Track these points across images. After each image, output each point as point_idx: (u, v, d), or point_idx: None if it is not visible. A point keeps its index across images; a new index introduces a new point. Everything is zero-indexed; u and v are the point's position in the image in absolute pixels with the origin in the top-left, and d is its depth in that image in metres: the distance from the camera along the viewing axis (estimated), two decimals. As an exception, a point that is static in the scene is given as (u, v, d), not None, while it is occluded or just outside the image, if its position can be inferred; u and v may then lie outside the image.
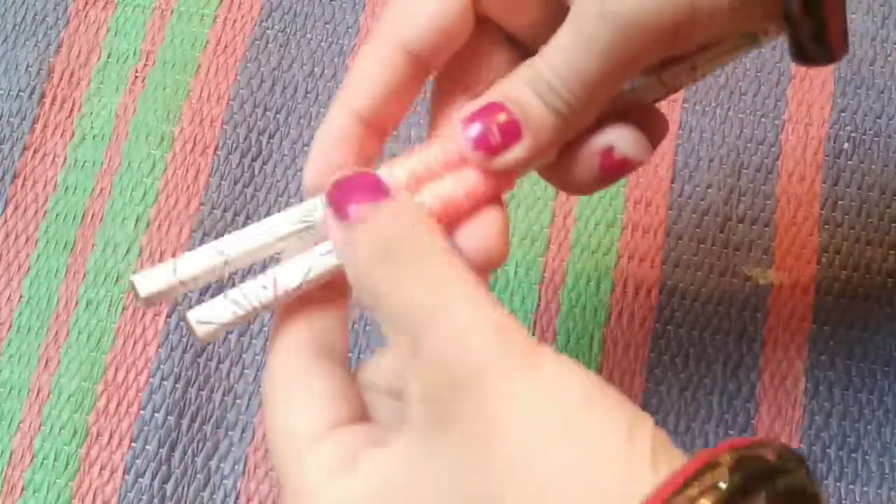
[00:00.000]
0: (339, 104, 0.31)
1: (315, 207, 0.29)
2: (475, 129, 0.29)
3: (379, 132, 0.31)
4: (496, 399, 0.24)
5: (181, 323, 0.44)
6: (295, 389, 0.28)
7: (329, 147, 0.31)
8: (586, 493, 0.23)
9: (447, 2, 0.30)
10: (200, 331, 0.28)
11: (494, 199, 0.30)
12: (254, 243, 0.29)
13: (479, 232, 0.30)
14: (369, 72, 0.31)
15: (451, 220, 0.30)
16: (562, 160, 0.31)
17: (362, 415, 0.28)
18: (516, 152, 0.29)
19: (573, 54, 0.29)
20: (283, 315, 0.29)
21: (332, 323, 0.29)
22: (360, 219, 0.27)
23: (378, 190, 0.27)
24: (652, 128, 0.33)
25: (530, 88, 0.29)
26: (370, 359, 0.29)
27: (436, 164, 0.30)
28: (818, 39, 0.30)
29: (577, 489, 0.23)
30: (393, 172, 0.30)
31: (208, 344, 0.44)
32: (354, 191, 0.27)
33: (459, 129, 0.30)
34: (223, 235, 0.42)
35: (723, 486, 0.22)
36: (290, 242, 0.29)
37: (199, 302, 0.29)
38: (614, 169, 0.31)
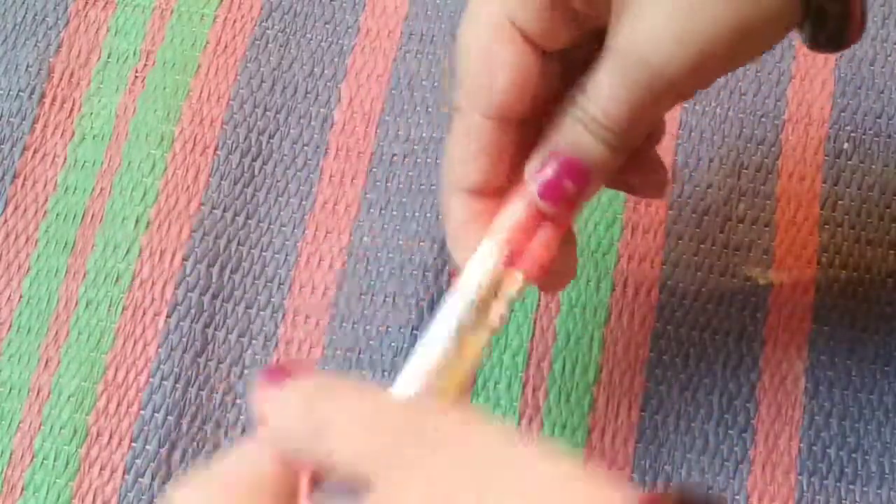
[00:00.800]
0: (451, 188, 0.33)
1: (476, 286, 0.32)
2: (549, 187, 0.32)
3: (496, 193, 0.33)
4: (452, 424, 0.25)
5: (181, 323, 0.44)
6: None
7: (463, 228, 0.33)
8: None
9: (515, 60, 0.31)
10: None
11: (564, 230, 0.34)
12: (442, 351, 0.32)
13: (563, 271, 0.34)
14: (467, 151, 0.32)
15: (547, 272, 0.33)
16: None
17: None
18: (589, 194, 0.32)
19: (617, 97, 0.30)
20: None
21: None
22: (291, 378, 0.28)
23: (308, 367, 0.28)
24: (653, 174, 0.36)
25: (587, 131, 0.31)
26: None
27: (524, 220, 0.33)
28: (841, 23, 0.30)
29: None
30: (498, 242, 0.32)
31: (208, 344, 0.44)
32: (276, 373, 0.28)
33: (535, 190, 0.32)
34: (223, 235, 0.43)
35: None
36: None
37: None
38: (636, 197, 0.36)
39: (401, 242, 0.46)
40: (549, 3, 0.31)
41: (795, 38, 0.43)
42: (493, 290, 0.32)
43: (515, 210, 0.33)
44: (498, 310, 0.32)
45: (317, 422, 0.26)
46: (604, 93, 0.30)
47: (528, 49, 0.31)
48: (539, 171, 0.32)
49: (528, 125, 0.33)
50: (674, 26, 0.29)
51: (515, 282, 0.32)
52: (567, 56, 0.33)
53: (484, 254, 0.32)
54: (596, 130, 0.31)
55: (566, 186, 0.31)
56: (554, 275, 0.34)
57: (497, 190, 0.33)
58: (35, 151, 0.48)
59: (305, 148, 0.47)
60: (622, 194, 0.46)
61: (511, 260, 0.32)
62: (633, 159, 0.33)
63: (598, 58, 0.31)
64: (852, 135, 0.47)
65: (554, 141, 0.32)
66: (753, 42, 0.30)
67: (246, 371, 0.44)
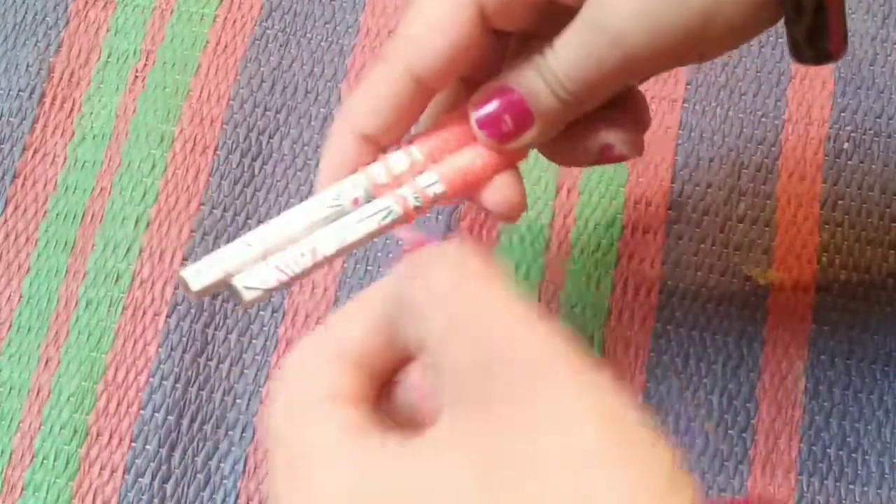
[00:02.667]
0: (344, 124, 0.32)
1: (343, 191, 0.31)
2: (489, 116, 0.31)
3: (382, 148, 0.32)
4: (548, 386, 0.23)
5: (181, 323, 0.44)
6: (319, 371, 0.27)
7: (337, 166, 0.32)
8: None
9: (458, 33, 0.31)
10: (248, 296, 0.30)
11: (508, 166, 0.33)
12: (289, 233, 0.31)
13: (498, 189, 0.32)
14: (376, 96, 0.32)
15: (469, 188, 0.32)
16: (562, 141, 0.33)
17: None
18: (527, 138, 0.31)
19: (580, 63, 0.30)
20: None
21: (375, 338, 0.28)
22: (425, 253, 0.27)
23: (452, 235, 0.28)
24: (637, 115, 0.34)
25: (542, 79, 0.31)
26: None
27: (453, 142, 0.32)
28: (816, 37, 0.30)
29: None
30: (410, 152, 0.32)
31: (208, 344, 0.44)
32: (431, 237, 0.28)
33: (473, 116, 0.31)
34: (223, 235, 0.43)
35: None
36: (322, 226, 0.31)
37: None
38: (612, 160, 0.34)
39: (401, 242, 0.46)
40: None
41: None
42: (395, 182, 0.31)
43: (445, 132, 0.32)
44: (401, 192, 0.31)
45: (449, 311, 0.25)
46: (567, 52, 0.30)
47: (478, 25, 0.31)
48: (484, 101, 0.31)
49: (463, 92, 0.33)
50: (644, 4, 0.29)
51: (428, 178, 0.31)
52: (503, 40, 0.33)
53: (389, 157, 0.32)
54: (552, 82, 0.31)
55: (506, 122, 0.31)
56: (490, 197, 0.32)
57: (381, 146, 0.32)
58: (35, 151, 0.48)
59: (305, 148, 0.47)
60: (622, 194, 0.46)
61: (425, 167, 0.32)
62: (606, 114, 0.32)
63: (566, 29, 0.31)
64: (852, 135, 0.47)
65: (506, 78, 0.31)
66: (721, 30, 0.30)
67: (246, 371, 0.44)
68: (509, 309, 0.25)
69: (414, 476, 0.23)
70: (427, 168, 0.32)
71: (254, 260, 0.30)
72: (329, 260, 0.31)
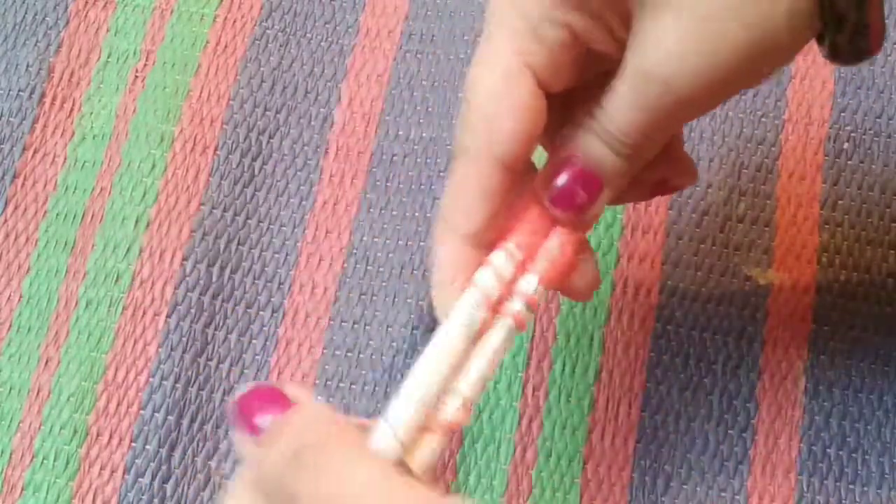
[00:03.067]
0: (445, 230, 0.32)
1: (472, 318, 0.32)
2: (561, 192, 0.32)
3: (489, 245, 0.33)
4: None
5: (181, 323, 0.44)
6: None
7: (450, 278, 0.32)
8: None
9: (524, 109, 0.31)
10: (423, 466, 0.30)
11: (584, 239, 0.33)
12: (437, 376, 0.31)
13: (584, 277, 0.33)
14: (466, 192, 0.32)
15: (562, 277, 0.33)
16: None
17: None
18: (601, 202, 0.32)
19: (634, 114, 0.30)
20: None
21: None
22: (268, 432, 0.28)
23: (281, 401, 0.28)
24: (683, 173, 0.36)
25: (601, 142, 0.31)
26: None
27: (536, 226, 0.32)
28: (860, 35, 0.30)
29: None
30: (510, 250, 0.32)
31: (208, 344, 0.44)
32: (259, 404, 0.28)
33: (545, 195, 0.32)
34: (223, 235, 0.43)
35: None
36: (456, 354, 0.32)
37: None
38: (664, 193, 0.35)
39: (401, 242, 0.46)
40: (565, 44, 0.30)
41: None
42: (503, 298, 0.32)
43: (525, 222, 0.33)
44: (512, 308, 0.32)
45: (290, 496, 0.27)
46: (618, 108, 0.30)
47: (538, 93, 0.31)
48: (553, 178, 0.32)
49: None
50: (684, 45, 0.29)
51: (530, 283, 0.32)
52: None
53: (494, 262, 0.32)
54: (611, 142, 0.31)
55: (579, 194, 0.31)
56: (576, 284, 0.33)
57: (489, 242, 0.32)
58: (35, 151, 0.48)
59: (305, 148, 0.47)
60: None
61: (524, 265, 0.32)
62: (663, 154, 0.33)
63: (613, 81, 0.30)
64: (852, 135, 0.47)
65: (569, 149, 0.32)
66: (767, 58, 0.29)
67: (246, 371, 0.44)
68: (370, 470, 0.27)
69: None
70: (525, 266, 0.32)
71: (418, 414, 0.30)
72: (478, 396, 0.31)
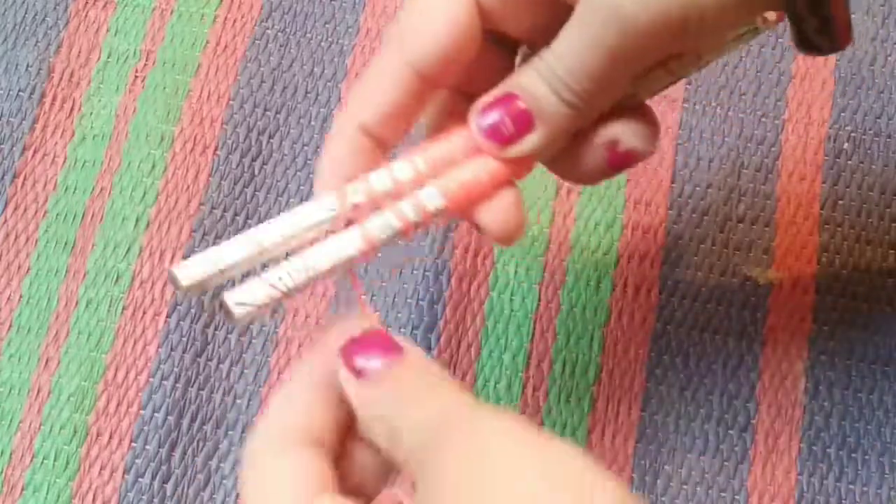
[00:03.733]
0: (347, 117, 0.32)
1: (343, 197, 0.30)
2: (489, 119, 0.30)
3: (385, 144, 0.32)
4: (482, 433, 0.26)
5: (181, 323, 0.44)
6: (281, 464, 0.28)
7: (338, 160, 0.31)
8: None
9: (455, 23, 0.30)
10: (238, 312, 0.29)
11: (510, 182, 0.32)
12: (287, 232, 0.30)
13: (497, 209, 0.31)
14: (378, 87, 0.31)
15: (472, 204, 0.31)
16: (568, 152, 0.32)
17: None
18: (529, 142, 0.31)
19: (582, 53, 0.29)
20: (273, 401, 0.30)
21: (318, 409, 0.30)
22: (376, 377, 0.28)
23: (391, 348, 0.29)
24: (646, 117, 0.33)
25: (543, 80, 0.30)
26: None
27: (456, 153, 0.31)
28: (824, 32, 0.30)
29: None
30: (414, 161, 0.31)
31: (208, 344, 0.44)
32: (369, 349, 0.29)
33: (473, 120, 0.31)
34: (224, 235, 0.43)
35: None
36: (320, 231, 0.30)
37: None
38: (620, 161, 0.32)
39: (401, 242, 0.46)
40: None
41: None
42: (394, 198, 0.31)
43: (448, 142, 0.31)
44: (400, 208, 0.30)
45: (392, 429, 0.27)
46: (567, 45, 0.29)
47: (475, 18, 0.30)
48: (484, 107, 0.31)
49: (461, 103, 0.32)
50: None
51: (430, 194, 0.31)
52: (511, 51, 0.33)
53: (393, 166, 0.31)
54: (555, 85, 0.30)
55: (505, 125, 0.30)
56: (485, 218, 0.31)
57: (385, 143, 0.32)
58: (35, 151, 0.48)
59: (305, 148, 0.47)
60: (622, 194, 0.46)
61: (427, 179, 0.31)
62: (617, 107, 0.31)
63: (566, 25, 0.30)
64: (852, 135, 0.47)
65: (507, 82, 0.31)
66: (726, 6, 0.29)
67: (246, 371, 0.44)
68: (468, 407, 0.27)
69: None
70: (430, 180, 0.31)
71: (250, 259, 0.30)
72: (324, 276, 0.30)
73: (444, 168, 0.31)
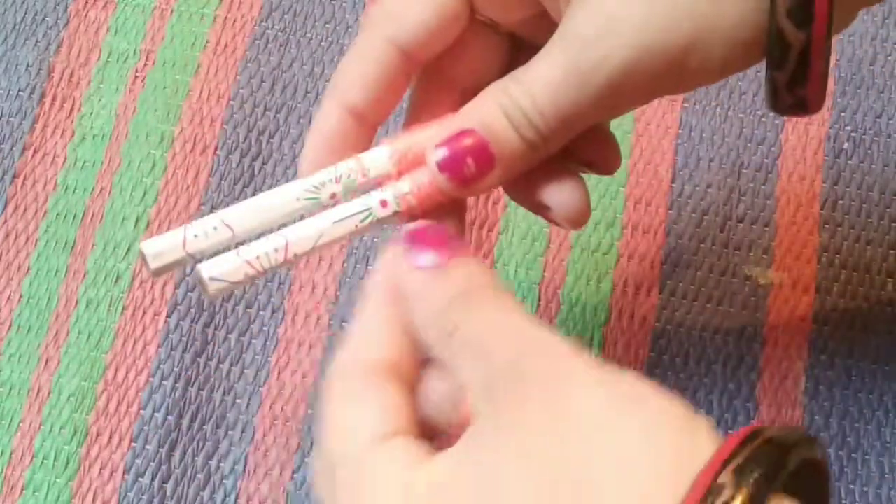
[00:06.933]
0: (331, 98, 0.31)
1: (323, 184, 0.30)
2: (448, 157, 0.29)
3: (370, 124, 0.32)
4: (560, 375, 0.25)
5: (181, 323, 0.44)
6: (359, 398, 0.28)
7: (323, 140, 0.31)
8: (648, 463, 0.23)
9: (442, 4, 0.30)
10: (212, 287, 0.29)
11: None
12: (261, 217, 0.30)
13: (565, 191, 0.31)
14: (360, 67, 0.31)
15: (437, 209, 0.31)
16: (518, 181, 0.31)
17: (421, 434, 0.28)
18: (488, 181, 0.30)
19: (555, 93, 0.28)
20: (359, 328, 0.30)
21: (393, 339, 0.29)
22: (441, 265, 0.28)
23: (456, 245, 0.28)
24: (607, 156, 0.33)
25: (506, 117, 0.29)
26: (427, 383, 0.29)
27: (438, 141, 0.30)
28: (797, 106, 0.29)
29: (639, 458, 0.23)
30: (397, 147, 0.31)
31: (208, 344, 0.44)
32: (434, 240, 0.28)
33: (431, 155, 0.30)
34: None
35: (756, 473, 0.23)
36: (296, 216, 0.30)
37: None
38: (550, 221, 0.32)
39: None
40: None
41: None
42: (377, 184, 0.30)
43: (430, 134, 0.31)
44: (384, 197, 0.30)
45: (449, 328, 0.27)
46: (538, 78, 0.28)
47: (459, 3, 0.30)
48: (443, 143, 0.29)
49: (456, 93, 0.32)
50: (641, 15, 0.27)
51: (405, 187, 0.30)
52: (510, 47, 0.32)
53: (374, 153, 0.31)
54: (519, 121, 0.29)
55: (467, 166, 0.29)
56: (563, 203, 0.31)
57: (370, 123, 0.31)
58: (35, 151, 0.48)
59: (305, 148, 0.47)
60: (622, 194, 0.46)
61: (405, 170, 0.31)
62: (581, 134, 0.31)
63: (543, 49, 0.29)
64: (852, 135, 0.47)
65: (471, 118, 0.30)
66: (706, 56, 0.28)
67: (246, 371, 0.44)
68: (523, 317, 0.27)
69: (483, 480, 0.25)
70: (413, 168, 0.30)
71: (222, 243, 0.29)
72: (301, 257, 0.30)
73: (415, 164, 0.30)
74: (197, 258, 0.29)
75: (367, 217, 0.30)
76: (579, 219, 0.31)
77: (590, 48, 0.28)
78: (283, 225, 0.30)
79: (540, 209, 0.32)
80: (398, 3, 0.31)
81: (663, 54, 0.28)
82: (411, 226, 0.29)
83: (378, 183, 0.31)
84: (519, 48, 0.33)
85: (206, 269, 0.29)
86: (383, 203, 0.30)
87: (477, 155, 0.29)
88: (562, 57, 0.28)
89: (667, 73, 0.28)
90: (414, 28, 0.30)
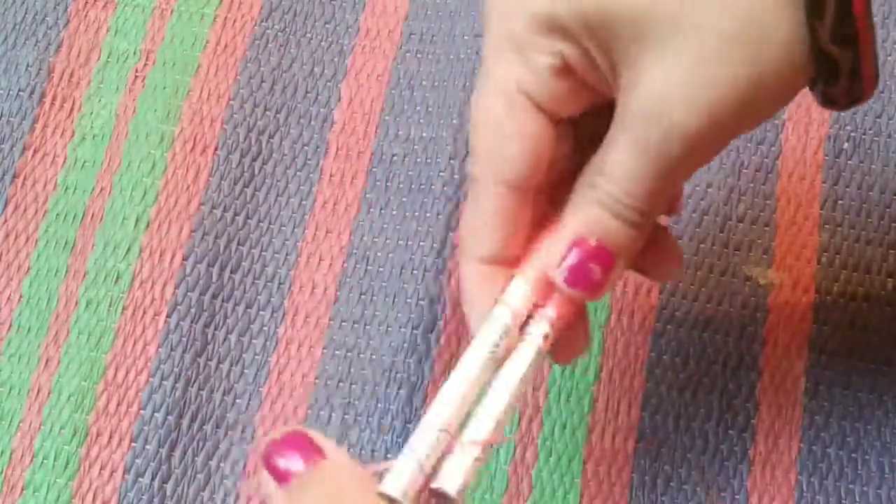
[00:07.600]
0: (467, 258, 0.33)
1: (497, 344, 0.31)
2: (573, 272, 0.31)
3: (509, 263, 0.32)
4: None
5: (181, 323, 0.44)
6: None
7: (480, 306, 0.32)
8: None
9: (529, 132, 0.31)
10: (458, 490, 0.29)
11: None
12: (463, 400, 0.31)
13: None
14: (482, 216, 0.32)
15: (568, 325, 0.32)
16: None
17: None
18: (614, 278, 0.31)
19: (638, 171, 0.29)
20: None
21: None
22: (298, 482, 0.28)
23: (312, 450, 0.28)
24: (668, 262, 0.35)
25: (608, 211, 0.30)
26: None
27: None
28: (853, 93, 0.30)
29: None
30: (527, 276, 0.32)
31: (208, 344, 0.44)
32: (290, 451, 0.28)
33: (556, 273, 0.31)
34: (223, 235, 0.42)
35: None
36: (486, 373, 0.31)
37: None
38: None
39: (401, 242, 0.46)
40: (557, 72, 0.30)
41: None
42: (530, 316, 0.32)
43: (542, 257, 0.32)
44: (538, 329, 0.32)
45: None
46: (619, 162, 0.30)
47: (539, 117, 0.31)
48: (564, 259, 0.31)
49: (542, 193, 0.33)
50: (688, 80, 0.28)
51: (541, 323, 0.32)
52: (581, 123, 0.33)
53: (514, 291, 0.32)
54: (619, 212, 0.30)
55: (593, 272, 0.31)
56: (570, 342, 0.33)
57: (512, 260, 0.32)
58: (35, 151, 0.48)
59: (305, 148, 0.47)
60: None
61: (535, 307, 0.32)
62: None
63: (610, 134, 0.30)
64: (852, 135, 0.47)
65: (576, 226, 0.31)
66: (767, 94, 0.29)
67: (246, 371, 0.44)
68: None
69: None
70: (540, 285, 0.32)
71: (441, 441, 0.30)
72: (508, 415, 0.31)
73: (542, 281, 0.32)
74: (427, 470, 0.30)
75: (538, 357, 0.32)
76: (677, 276, 0.35)
77: (658, 124, 0.29)
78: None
79: (638, 270, 0.34)
80: (496, 146, 0.31)
81: (729, 106, 0.29)
82: (269, 437, 0.29)
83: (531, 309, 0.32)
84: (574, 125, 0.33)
85: (447, 482, 0.29)
86: (546, 338, 0.32)
87: (598, 258, 0.31)
88: (635, 140, 0.29)
89: (739, 116, 0.29)
90: (520, 165, 0.31)
